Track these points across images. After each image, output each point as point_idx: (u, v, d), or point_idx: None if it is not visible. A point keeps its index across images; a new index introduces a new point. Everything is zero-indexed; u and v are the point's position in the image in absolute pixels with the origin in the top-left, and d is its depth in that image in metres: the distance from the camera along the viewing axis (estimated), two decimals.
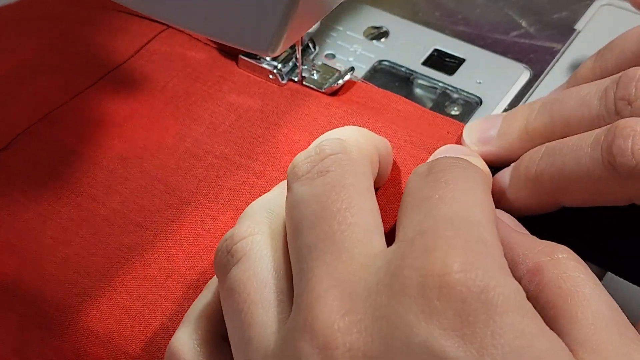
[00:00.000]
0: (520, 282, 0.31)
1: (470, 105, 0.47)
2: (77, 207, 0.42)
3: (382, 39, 0.50)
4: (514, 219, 0.37)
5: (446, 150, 0.40)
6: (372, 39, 0.50)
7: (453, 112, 0.46)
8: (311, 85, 0.46)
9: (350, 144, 0.33)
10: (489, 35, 0.50)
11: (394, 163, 0.41)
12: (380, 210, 0.33)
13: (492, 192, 0.35)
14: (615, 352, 0.29)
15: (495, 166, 0.40)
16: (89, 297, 0.38)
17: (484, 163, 0.39)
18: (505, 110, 0.46)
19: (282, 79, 0.47)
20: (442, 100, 0.47)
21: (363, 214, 0.31)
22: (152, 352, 0.36)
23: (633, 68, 0.36)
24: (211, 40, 0.49)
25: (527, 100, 0.47)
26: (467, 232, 0.29)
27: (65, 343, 0.38)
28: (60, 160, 0.44)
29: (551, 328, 0.29)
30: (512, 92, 0.47)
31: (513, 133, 0.39)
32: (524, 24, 0.51)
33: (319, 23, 0.48)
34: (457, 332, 0.27)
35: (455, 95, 0.47)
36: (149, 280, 0.38)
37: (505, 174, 0.38)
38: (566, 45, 0.49)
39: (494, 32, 0.51)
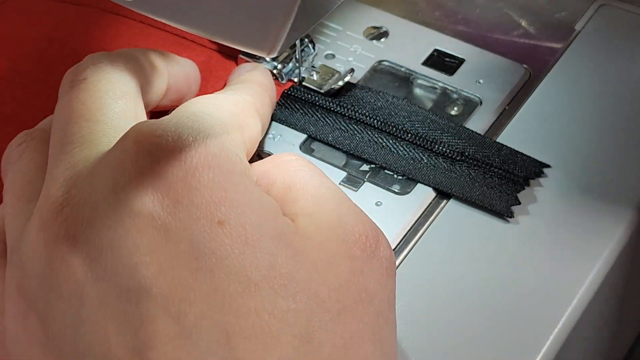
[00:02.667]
0: None
1: (471, 105, 0.47)
2: None
3: (382, 39, 0.50)
4: None
5: (238, 69, 0.44)
6: (372, 39, 0.50)
7: (453, 112, 0.46)
8: (311, 86, 0.46)
9: (116, 56, 0.37)
10: (489, 35, 0.50)
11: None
12: None
13: None
14: (326, 216, 0.32)
15: None
16: None
17: (268, 77, 0.43)
18: (506, 110, 0.46)
19: (282, 80, 0.47)
20: (442, 101, 0.47)
21: (114, 114, 0.34)
22: None
23: None
24: (210, 41, 0.49)
25: (527, 99, 0.47)
26: (187, 114, 0.33)
27: None
28: None
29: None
30: (512, 91, 0.47)
31: None
32: (523, 23, 0.51)
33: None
34: (156, 189, 0.29)
35: (455, 96, 0.47)
36: None
37: None
38: (566, 45, 0.49)
39: (494, 32, 0.51)
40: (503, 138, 0.45)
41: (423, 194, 0.43)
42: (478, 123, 0.46)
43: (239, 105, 0.36)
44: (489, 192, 0.42)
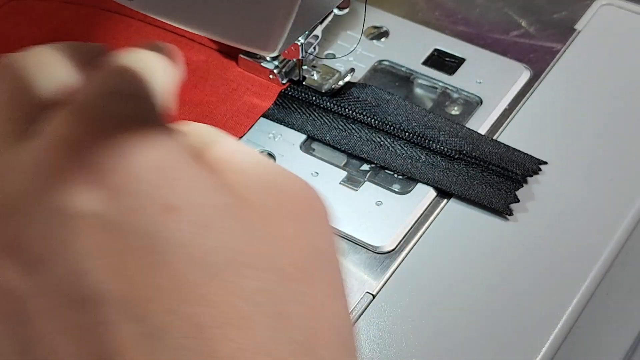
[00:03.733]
0: None
1: (471, 105, 0.47)
2: None
3: (382, 39, 0.50)
4: None
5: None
6: (372, 38, 0.50)
7: (453, 112, 0.46)
8: (311, 86, 0.46)
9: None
10: (489, 35, 0.50)
11: None
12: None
13: None
14: (261, 183, 0.30)
15: None
16: None
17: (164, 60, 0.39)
18: (506, 110, 0.46)
19: (282, 79, 0.47)
20: (442, 100, 0.47)
21: (11, 111, 0.31)
22: None
23: None
24: (211, 41, 0.49)
25: (527, 99, 0.47)
26: (102, 94, 0.30)
27: None
28: None
29: None
30: (512, 91, 0.47)
31: None
32: (523, 23, 0.51)
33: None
34: (91, 183, 0.27)
35: (455, 95, 0.47)
36: None
37: None
38: (566, 45, 0.49)
39: (494, 32, 0.51)
40: (503, 137, 0.45)
41: (423, 193, 0.42)
42: (478, 123, 0.46)
43: (136, 73, 0.33)
44: (487, 190, 0.42)
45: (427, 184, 0.43)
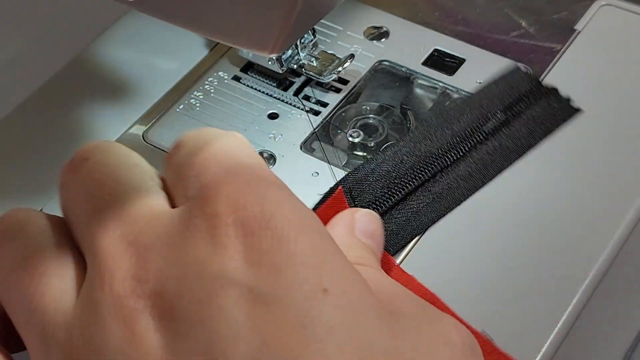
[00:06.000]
0: None
1: None
2: None
3: (382, 39, 0.50)
4: None
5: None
6: (372, 39, 0.50)
7: None
8: (311, 73, 0.46)
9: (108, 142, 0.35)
10: (489, 35, 0.50)
11: None
12: None
13: None
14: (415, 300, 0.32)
15: None
16: None
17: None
18: None
19: (282, 66, 0.47)
20: (442, 101, 0.47)
21: (133, 185, 0.32)
22: None
23: None
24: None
25: None
26: (245, 174, 0.31)
27: None
28: None
29: None
30: None
31: None
32: (523, 24, 0.51)
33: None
34: (249, 261, 0.28)
35: (455, 96, 0.47)
36: None
37: None
38: (566, 45, 0.49)
39: (494, 32, 0.51)
40: None
41: None
42: None
43: (251, 150, 0.34)
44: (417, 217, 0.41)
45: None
